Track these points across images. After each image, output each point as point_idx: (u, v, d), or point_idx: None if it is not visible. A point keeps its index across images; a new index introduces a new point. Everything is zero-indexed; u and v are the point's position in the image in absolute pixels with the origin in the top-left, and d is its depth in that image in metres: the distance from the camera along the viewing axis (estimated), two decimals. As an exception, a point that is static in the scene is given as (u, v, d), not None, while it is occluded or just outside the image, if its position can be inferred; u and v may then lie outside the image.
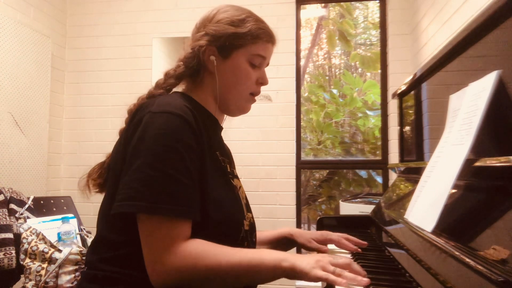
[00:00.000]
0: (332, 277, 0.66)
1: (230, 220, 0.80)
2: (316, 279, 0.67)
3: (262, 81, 0.94)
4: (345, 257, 0.73)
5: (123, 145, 0.77)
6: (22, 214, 1.99)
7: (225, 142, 1.03)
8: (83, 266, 1.65)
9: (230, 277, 0.69)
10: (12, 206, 1.99)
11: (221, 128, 0.97)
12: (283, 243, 1.09)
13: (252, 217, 0.92)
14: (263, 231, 1.08)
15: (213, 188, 0.77)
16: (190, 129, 0.74)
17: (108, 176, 0.85)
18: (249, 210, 0.92)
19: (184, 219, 0.70)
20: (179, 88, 0.92)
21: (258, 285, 0.87)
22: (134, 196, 0.68)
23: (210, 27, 0.88)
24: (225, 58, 0.88)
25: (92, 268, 0.77)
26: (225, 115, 0.98)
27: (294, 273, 0.69)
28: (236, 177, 0.94)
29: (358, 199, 2.99)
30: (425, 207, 0.77)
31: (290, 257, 0.71)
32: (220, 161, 0.85)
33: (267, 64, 0.96)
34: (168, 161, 0.70)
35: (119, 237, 0.75)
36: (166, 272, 0.67)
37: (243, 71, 0.88)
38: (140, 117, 0.75)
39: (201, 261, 0.68)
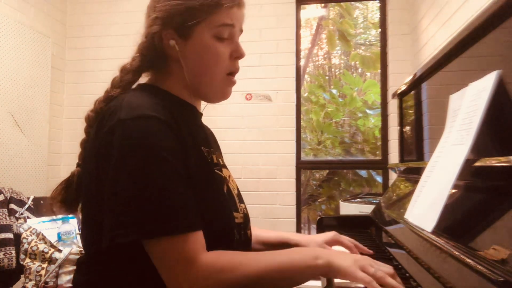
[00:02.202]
0: (375, 284, 0.60)
1: (219, 223, 0.74)
2: (355, 279, 0.62)
3: (237, 54, 0.79)
4: (388, 266, 0.67)
5: (94, 163, 0.67)
6: (22, 214, 1.99)
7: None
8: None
9: (261, 284, 0.64)
10: (12, 206, 1.99)
11: (201, 115, 0.87)
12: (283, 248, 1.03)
13: (245, 208, 0.86)
14: (259, 230, 1.02)
15: (199, 190, 0.70)
16: (169, 129, 0.66)
17: (78, 198, 0.78)
18: (241, 201, 0.86)
19: (193, 231, 0.64)
20: (144, 79, 0.82)
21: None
22: (131, 222, 0.60)
23: (159, 8, 0.76)
24: (186, 39, 0.75)
25: None
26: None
27: (330, 271, 0.64)
28: (224, 166, 0.86)
29: (358, 199, 2.99)
30: (425, 207, 0.77)
31: (324, 254, 0.66)
32: (205, 157, 0.77)
33: (241, 31, 0.81)
34: (156, 173, 0.62)
35: (107, 260, 0.69)
36: None
37: (211, 48, 0.75)
38: (110, 128, 0.65)
39: (228, 272, 0.63)
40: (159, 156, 0.63)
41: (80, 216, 0.75)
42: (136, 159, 0.62)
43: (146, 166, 0.62)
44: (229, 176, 0.85)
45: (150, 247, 0.63)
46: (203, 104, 0.89)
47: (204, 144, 0.79)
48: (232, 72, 0.81)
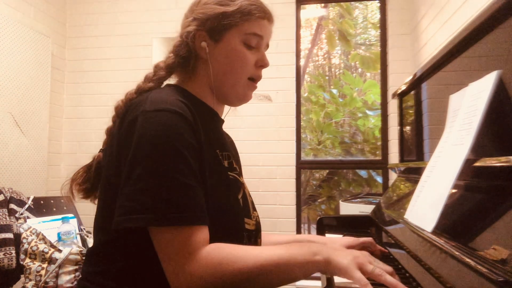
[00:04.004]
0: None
1: (230, 226, 0.75)
2: (352, 279, 0.61)
3: (262, 63, 0.85)
4: (386, 265, 0.66)
5: (116, 149, 0.70)
6: (22, 214, 1.99)
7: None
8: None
9: (259, 279, 0.64)
10: (12, 206, 1.99)
11: (222, 121, 0.91)
12: None
13: (258, 216, 0.87)
14: (272, 234, 1.02)
15: (211, 192, 0.71)
16: (189, 126, 0.69)
17: (97, 182, 0.80)
18: (254, 208, 0.87)
19: (199, 224, 0.65)
20: (172, 81, 0.86)
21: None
22: (140, 209, 0.62)
23: (198, 11, 0.81)
24: (217, 41, 0.80)
25: (88, 281, 0.74)
26: (226, 107, 0.91)
27: (328, 268, 0.64)
28: (241, 174, 0.89)
29: (358, 199, 3.00)
30: (425, 207, 0.76)
31: (323, 250, 0.65)
32: (220, 160, 0.79)
33: (267, 46, 0.87)
34: (171, 164, 0.64)
35: (116, 250, 0.71)
36: (191, 282, 0.63)
37: (238, 53, 0.80)
38: (133, 118, 0.69)
39: (226, 266, 0.63)
40: (175, 149, 0.65)
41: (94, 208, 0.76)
42: (152, 149, 0.64)
43: (161, 157, 0.64)
44: (243, 184, 0.87)
45: (154, 235, 0.65)
46: (225, 111, 0.92)
47: (220, 148, 0.81)
48: (254, 79, 0.85)
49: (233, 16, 0.79)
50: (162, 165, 0.64)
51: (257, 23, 0.81)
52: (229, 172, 0.81)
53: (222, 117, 0.91)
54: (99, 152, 0.84)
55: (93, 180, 0.82)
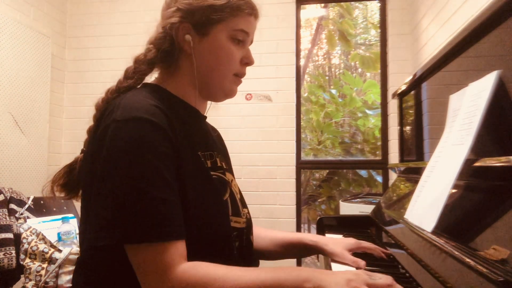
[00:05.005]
0: None
1: (216, 234, 0.72)
2: None
3: (247, 60, 0.81)
4: (385, 276, 0.62)
5: (90, 158, 0.68)
6: (22, 214, 1.99)
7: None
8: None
9: None
10: (12, 206, 1.99)
11: (205, 118, 0.87)
12: (300, 250, 0.96)
13: (248, 212, 0.85)
14: (271, 230, 1.00)
15: (193, 197, 0.68)
16: (162, 133, 0.65)
17: (78, 183, 0.78)
18: (244, 205, 0.85)
19: (173, 240, 0.62)
20: (152, 78, 0.82)
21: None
22: (111, 226, 0.59)
23: (182, 1, 0.76)
24: (202, 36, 0.77)
25: None
26: (209, 103, 0.88)
27: None
28: (228, 170, 0.85)
29: (358, 199, 2.99)
30: (425, 207, 0.76)
31: (314, 276, 0.61)
32: (202, 162, 0.76)
33: (251, 42, 0.84)
34: (142, 177, 0.61)
35: (99, 261, 0.68)
36: None
37: (225, 49, 0.77)
38: (105, 127, 0.65)
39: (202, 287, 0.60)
40: (146, 161, 0.62)
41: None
42: (122, 163, 0.61)
43: (131, 171, 0.61)
44: (231, 180, 0.84)
45: (128, 252, 0.62)
46: (208, 106, 0.89)
47: (203, 148, 0.78)
48: (239, 74, 0.82)
49: (221, 11, 0.75)
50: (133, 179, 0.61)
51: (244, 20, 0.78)
52: (213, 172, 0.78)
53: (205, 114, 0.88)
54: (80, 153, 0.81)
55: (75, 182, 0.80)
